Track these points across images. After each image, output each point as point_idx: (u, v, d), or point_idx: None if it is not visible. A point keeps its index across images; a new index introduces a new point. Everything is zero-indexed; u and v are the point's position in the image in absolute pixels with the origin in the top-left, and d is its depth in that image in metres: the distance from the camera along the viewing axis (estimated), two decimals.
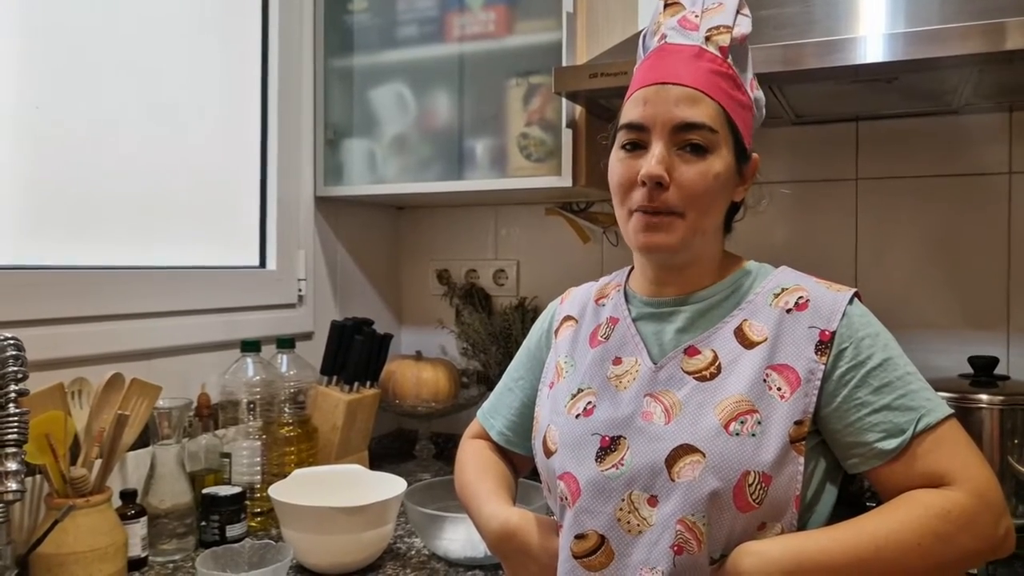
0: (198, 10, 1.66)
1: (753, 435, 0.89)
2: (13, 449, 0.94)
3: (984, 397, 1.43)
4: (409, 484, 1.42)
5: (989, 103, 1.58)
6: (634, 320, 1.03)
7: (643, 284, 1.05)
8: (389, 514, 1.35)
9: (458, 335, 2.08)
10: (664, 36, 0.99)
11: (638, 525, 0.91)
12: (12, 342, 1.02)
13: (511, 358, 1.95)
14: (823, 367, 0.91)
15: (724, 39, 0.96)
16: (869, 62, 1.26)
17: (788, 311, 0.95)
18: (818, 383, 0.91)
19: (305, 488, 1.39)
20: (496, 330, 1.98)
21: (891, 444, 0.89)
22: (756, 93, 1.03)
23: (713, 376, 0.94)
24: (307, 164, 1.89)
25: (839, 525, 0.88)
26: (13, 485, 0.92)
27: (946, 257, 1.70)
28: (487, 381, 2.04)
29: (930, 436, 0.89)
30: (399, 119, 1.83)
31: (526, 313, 2.00)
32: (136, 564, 1.32)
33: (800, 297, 0.96)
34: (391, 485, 1.41)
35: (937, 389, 1.42)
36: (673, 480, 0.89)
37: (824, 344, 0.92)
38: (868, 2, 1.39)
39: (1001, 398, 1.42)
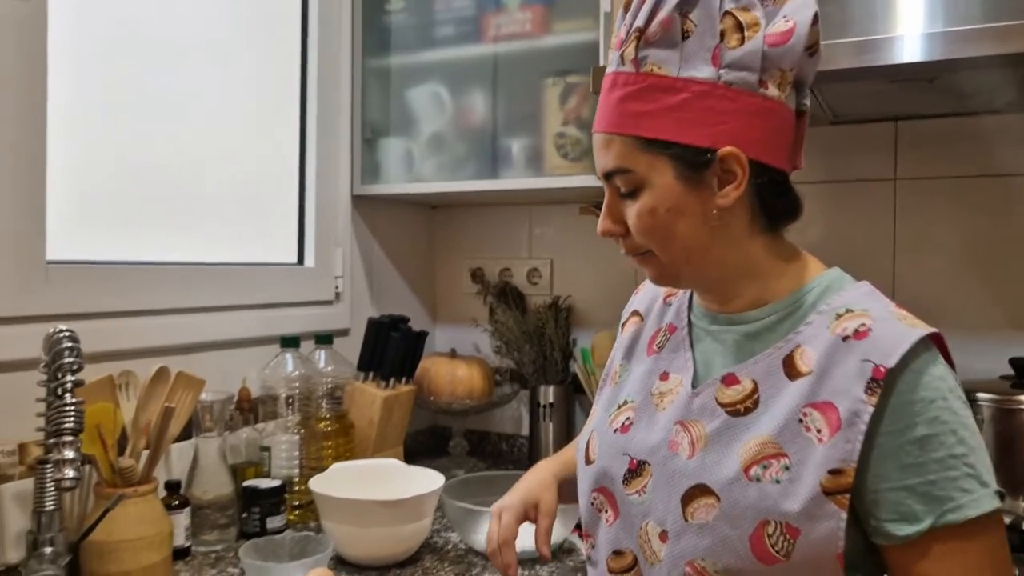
0: (240, 12, 1.69)
1: (778, 481, 0.80)
2: (70, 438, 0.97)
3: None
4: (446, 480, 1.44)
5: None
6: (690, 333, 0.96)
7: (698, 295, 0.98)
8: (427, 508, 1.37)
9: (492, 333, 2.10)
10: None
11: (650, 557, 0.89)
12: (67, 334, 1.05)
13: (544, 356, 1.99)
14: (871, 409, 0.78)
15: (630, 50, 0.85)
16: (907, 62, 1.26)
17: (845, 339, 0.82)
18: (864, 427, 0.78)
19: (344, 481, 1.41)
20: (530, 328, 1.99)
21: (902, 531, 0.78)
22: (730, 56, 0.83)
23: (748, 411, 0.85)
24: (344, 163, 1.91)
25: None
26: (70, 472, 0.95)
27: (986, 258, 1.69)
28: (520, 379, 2.06)
29: (952, 534, 0.77)
30: (436, 118, 1.85)
31: (560, 312, 2.01)
32: (180, 553, 1.35)
33: (863, 324, 0.81)
34: (429, 479, 1.43)
35: (977, 391, 1.45)
36: (687, 520, 0.85)
37: (876, 382, 0.78)
38: (906, 1, 1.39)
39: None
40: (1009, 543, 1.34)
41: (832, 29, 1.34)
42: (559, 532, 1.32)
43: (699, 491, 0.85)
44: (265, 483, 1.49)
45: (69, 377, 0.99)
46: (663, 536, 0.87)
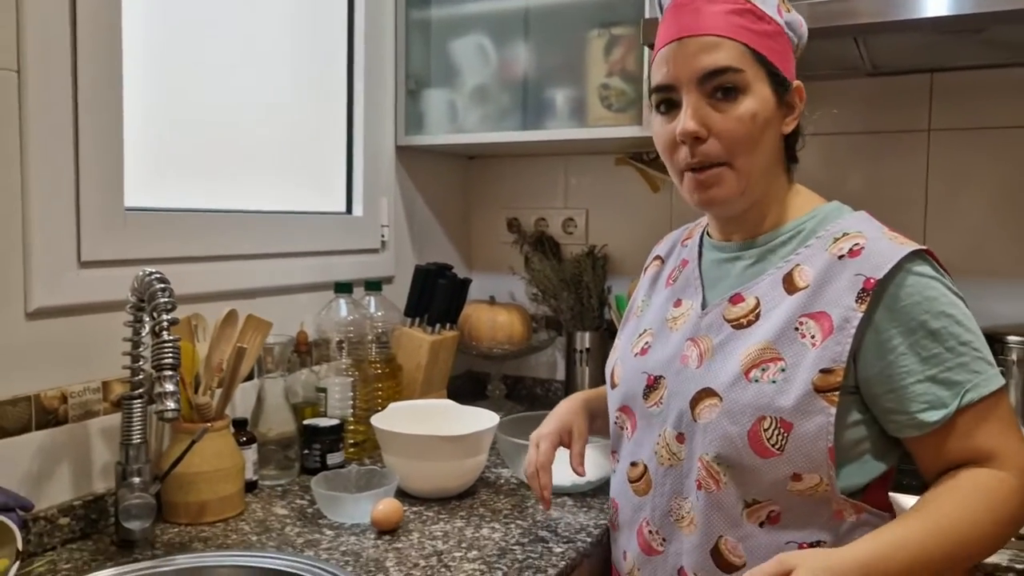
0: None
1: (774, 382, 0.90)
2: (170, 372, 1.02)
3: None
4: None
5: None
6: (701, 264, 1.07)
7: (714, 228, 1.08)
8: (484, 444, 1.43)
9: (528, 281, 2.15)
10: None
11: (669, 459, 0.99)
12: (158, 276, 1.10)
13: (582, 304, 2.05)
14: (860, 315, 0.88)
15: None
16: (960, 13, 1.29)
17: (840, 257, 0.92)
18: (852, 331, 0.88)
19: (403, 419, 1.48)
20: (567, 276, 2.05)
21: (933, 416, 0.88)
22: (787, 17, 0.98)
23: (751, 323, 0.95)
24: (389, 114, 1.95)
25: (916, 513, 0.87)
26: (171, 404, 1.01)
27: (1017, 207, 1.73)
28: (556, 326, 2.12)
29: (973, 411, 0.88)
30: (480, 70, 1.88)
31: (596, 260, 2.07)
32: (249, 487, 1.42)
33: (856, 244, 0.92)
34: (483, 417, 1.50)
35: (1008, 335, 1.51)
36: (695, 420, 0.95)
37: (866, 292, 0.88)
38: None
39: None
40: None
41: None
42: (601, 467, 1.39)
43: (705, 394, 0.95)
44: (324, 422, 1.56)
45: (165, 316, 1.05)
46: (680, 438, 0.98)
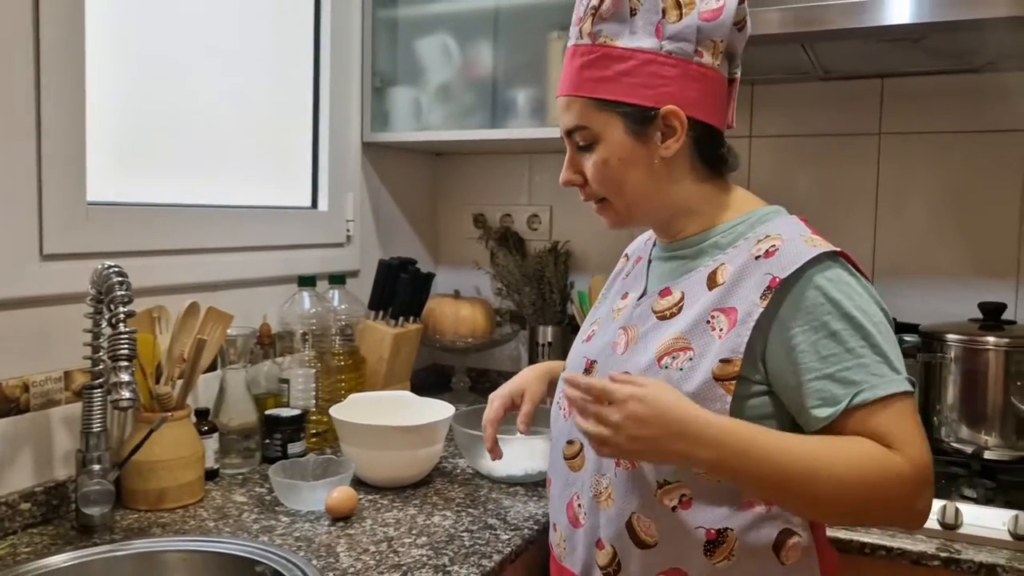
0: None
1: (681, 369, 0.96)
2: (125, 363, 1.06)
3: (991, 339, 1.53)
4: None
5: (1012, 63, 1.66)
6: (650, 262, 1.13)
7: None
8: (440, 434, 1.48)
9: (493, 276, 2.19)
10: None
11: None
12: (116, 269, 1.14)
13: (544, 299, 2.09)
14: (760, 310, 0.93)
15: (587, 25, 1.00)
16: (897, 23, 1.34)
17: (757, 258, 0.97)
18: (752, 324, 0.93)
19: (361, 410, 1.52)
20: (530, 272, 2.09)
21: (823, 412, 0.91)
22: (673, 28, 0.98)
23: (672, 316, 1.01)
24: (355, 111, 1.98)
25: (788, 435, 0.92)
26: (127, 394, 1.05)
27: (961, 209, 1.79)
28: (520, 320, 2.16)
29: (866, 410, 0.90)
30: (444, 68, 1.92)
31: (559, 256, 2.11)
32: (210, 475, 1.45)
33: (773, 245, 0.96)
34: (440, 409, 1.54)
35: (947, 332, 1.57)
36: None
37: (769, 290, 0.93)
38: None
39: (1007, 340, 1.52)
40: (969, 471, 1.48)
41: None
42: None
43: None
44: (286, 412, 1.59)
45: (122, 308, 1.08)
46: None
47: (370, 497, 1.41)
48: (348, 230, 1.97)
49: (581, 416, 0.94)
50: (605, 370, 1.05)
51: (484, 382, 2.29)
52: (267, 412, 1.58)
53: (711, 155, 1.04)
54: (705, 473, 0.93)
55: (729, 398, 0.93)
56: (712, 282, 1.00)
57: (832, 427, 0.92)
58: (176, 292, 1.49)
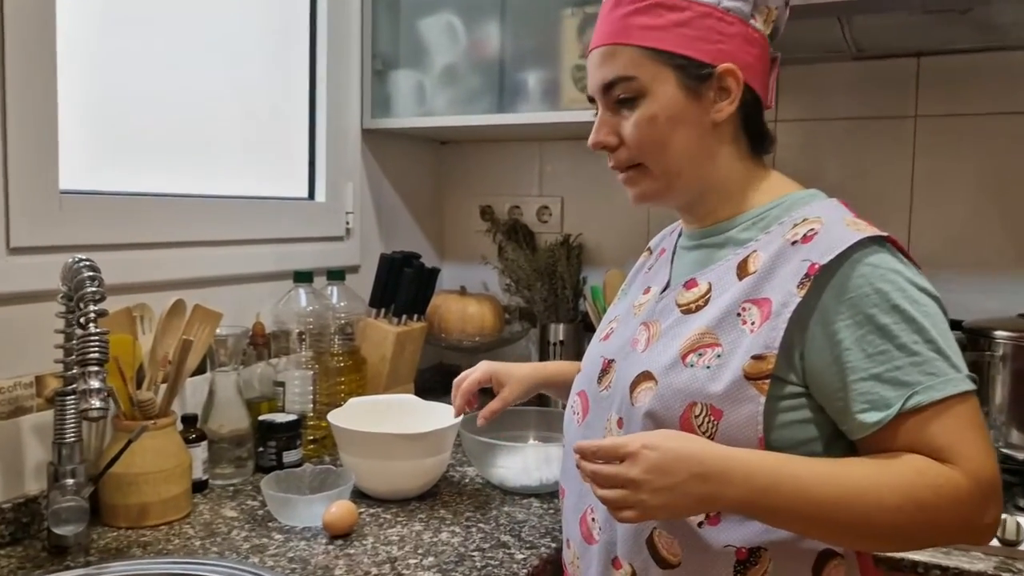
0: None
1: (708, 368, 0.86)
2: (96, 368, 0.95)
3: None
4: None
5: None
6: (675, 253, 1.04)
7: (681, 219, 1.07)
8: (447, 441, 1.37)
9: (501, 271, 2.08)
10: None
11: None
12: (87, 263, 1.03)
13: (556, 295, 1.98)
14: (797, 299, 0.83)
15: None
16: None
17: (793, 243, 0.87)
18: (788, 316, 0.83)
19: (362, 415, 1.41)
20: (541, 266, 1.98)
21: (872, 417, 0.81)
22: None
23: (699, 309, 0.92)
24: (355, 95, 1.87)
25: (822, 460, 0.82)
26: (96, 403, 0.93)
27: (1004, 197, 1.67)
28: (530, 317, 2.05)
29: (923, 416, 0.80)
30: (449, 50, 1.81)
31: (571, 250, 2.00)
32: (198, 486, 1.35)
33: (811, 230, 0.87)
34: (446, 413, 1.42)
35: (994, 329, 1.45)
36: (633, 405, 0.92)
37: (808, 277, 0.83)
38: None
39: None
40: (1022, 479, 1.36)
41: None
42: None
43: (643, 377, 0.92)
44: (281, 417, 1.49)
45: (92, 307, 0.97)
46: (620, 423, 0.94)
47: (372, 511, 1.29)
48: (347, 222, 1.86)
49: (599, 485, 0.83)
50: (624, 369, 0.96)
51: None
52: (260, 418, 1.48)
53: (756, 130, 0.96)
54: (736, 514, 0.84)
55: (763, 399, 0.83)
56: (743, 271, 0.90)
57: (881, 435, 0.81)
58: (160, 289, 1.38)
